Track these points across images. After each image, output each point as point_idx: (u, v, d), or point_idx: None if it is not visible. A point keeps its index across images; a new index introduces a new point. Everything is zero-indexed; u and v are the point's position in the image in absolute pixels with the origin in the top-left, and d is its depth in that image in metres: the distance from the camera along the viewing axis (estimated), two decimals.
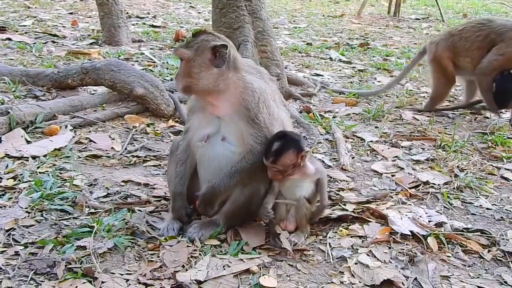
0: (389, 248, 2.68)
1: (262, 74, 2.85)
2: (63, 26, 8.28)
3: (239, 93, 2.62)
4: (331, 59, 7.46)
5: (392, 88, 5.71)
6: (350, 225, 2.89)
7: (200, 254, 2.50)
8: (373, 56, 7.80)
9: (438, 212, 3.09)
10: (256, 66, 2.94)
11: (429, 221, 2.94)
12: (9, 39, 6.86)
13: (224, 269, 2.39)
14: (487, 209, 3.19)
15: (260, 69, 2.96)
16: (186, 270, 2.37)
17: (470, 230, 2.88)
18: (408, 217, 2.94)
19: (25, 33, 7.45)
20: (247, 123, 2.60)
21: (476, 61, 4.81)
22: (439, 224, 2.91)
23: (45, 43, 6.94)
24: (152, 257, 2.48)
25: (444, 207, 3.20)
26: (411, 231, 2.79)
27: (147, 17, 10.11)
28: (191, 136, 2.76)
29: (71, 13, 9.71)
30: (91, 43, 7.19)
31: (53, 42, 7.10)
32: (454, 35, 4.94)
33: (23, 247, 2.49)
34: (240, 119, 2.61)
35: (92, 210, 2.90)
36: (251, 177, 2.65)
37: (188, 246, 2.56)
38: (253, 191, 2.70)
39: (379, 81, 6.30)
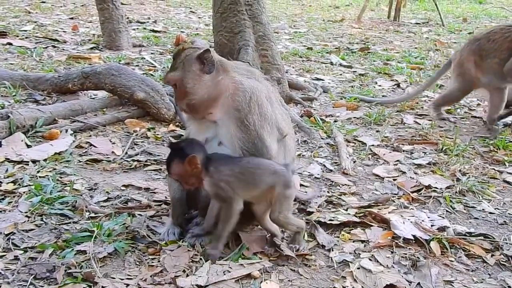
0: (392, 252, 2.66)
1: (254, 73, 2.79)
2: (64, 31, 8.28)
3: (230, 94, 2.58)
4: (331, 63, 7.46)
5: (415, 97, 5.64)
6: (352, 229, 2.87)
7: (200, 259, 2.48)
8: (373, 61, 7.80)
9: (440, 216, 3.07)
10: (248, 67, 2.89)
11: (431, 225, 2.92)
12: (10, 43, 6.86)
13: (225, 274, 2.37)
14: (490, 213, 3.17)
15: (251, 69, 2.89)
16: (187, 275, 2.35)
17: (473, 234, 2.86)
18: (411, 221, 2.92)
19: (26, 38, 7.45)
20: (236, 126, 2.56)
21: (504, 62, 4.76)
22: (442, 229, 2.90)
23: (46, 47, 6.94)
24: (152, 262, 2.46)
25: (447, 211, 3.18)
26: (414, 236, 2.77)
27: (147, 22, 10.12)
28: None
29: (72, 18, 9.71)
30: (91, 48, 7.19)
31: (54, 46, 7.09)
32: (481, 39, 4.90)
33: (22, 252, 2.47)
34: (231, 122, 2.57)
35: (92, 215, 2.88)
36: None
37: (188, 250, 2.54)
38: None
39: (379, 85, 6.30)
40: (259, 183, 2.48)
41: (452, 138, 4.34)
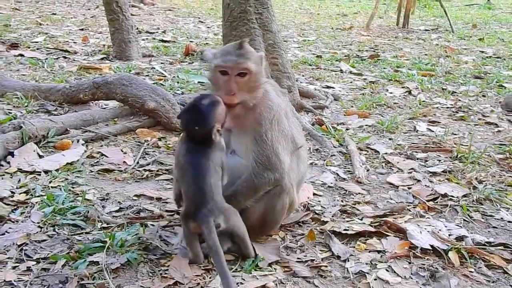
0: (409, 263, 2.60)
1: (276, 87, 2.80)
2: (74, 42, 8.33)
3: (257, 106, 2.56)
4: (341, 71, 7.42)
5: None
6: (367, 239, 2.82)
7: (214, 270, 2.44)
8: (384, 68, 7.76)
9: (458, 225, 3.01)
10: (268, 79, 2.88)
11: (449, 235, 2.86)
12: (22, 55, 6.90)
13: (239, 286, 2.33)
14: (509, 221, 3.10)
15: (272, 81, 2.92)
16: (202, 287, 2.31)
17: (492, 244, 2.79)
18: (428, 231, 2.86)
19: (37, 49, 7.50)
20: (253, 139, 2.54)
21: None
22: (460, 238, 2.83)
23: (57, 58, 6.98)
24: (165, 273, 2.42)
25: (464, 220, 3.11)
26: (431, 246, 2.71)
27: (157, 32, 10.17)
28: None
29: (82, 29, 9.78)
30: (102, 58, 7.22)
31: (65, 57, 7.14)
32: None
33: (35, 263, 2.45)
34: (249, 134, 2.55)
35: (105, 225, 2.85)
36: (252, 197, 2.57)
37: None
38: (266, 207, 2.63)
39: (391, 93, 6.25)
40: None
41: (467, 145, 4.27)
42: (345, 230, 2.87)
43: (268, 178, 2.55)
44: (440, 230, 2.89)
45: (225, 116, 2.45)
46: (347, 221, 3.01)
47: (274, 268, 2.51)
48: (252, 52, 2.57)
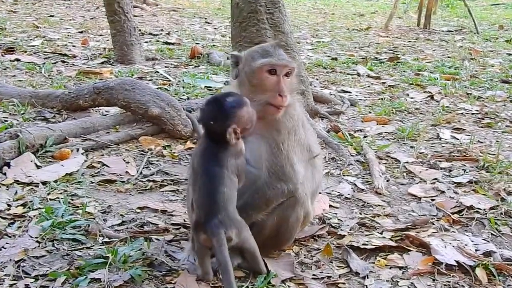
0: (433, 280, 2.60)
1: (295, 95, 2.83)
2: (73, 46, 8.43)
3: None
4: (358, 74, 7.44)
5: None
6: (388, 254, 2.82)
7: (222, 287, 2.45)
8: (404, 71, 7.76)
9: (485, 240, 3.00)
10: None
11: (476, 250, 2.85)
12: (18, 60, 6.99)
13: None
14: None
15: None
16: None
17: None
18: (453, 246, 2.86)
19: (34, 53, 7.59)
20: (269, 147, 2.56)
21: None
22: (488, 254, 2.82)
23: (55, 63, 7.06)
24: None
25: (492, 234, 3.10)
26: (457, 261, 2.70)
27: (160, 34, 10.26)
28: None
29: (81, 32, 9.90)
30: (102, 62, 7.29)
31: (63, 62, 7.22)
32: None
33: (33, 280, 2.47)
34: (265, 141, 2.57)
35: (106, 240, 2.87)
36: (264, 210, 2.59)
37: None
38: (279, 219, 2.64)
39: (411, 98, 6.24)
40: None
41: (494, 154, 4.25)
42: (363, 244, 2.88)
43: (282, 189, 2.56)
44: (466, 245, 2.89)
45: (251, 121, 2.43)
46: (366, 235, 3.01)
47: (288, 286, 2.51)
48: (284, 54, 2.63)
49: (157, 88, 5.39)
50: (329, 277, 2.60)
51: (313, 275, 2.62)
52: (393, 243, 2.90)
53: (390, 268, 2.70)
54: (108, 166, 3.85)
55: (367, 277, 2.61)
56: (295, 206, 2.64)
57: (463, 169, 4.08)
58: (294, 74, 2.60)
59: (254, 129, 2.51)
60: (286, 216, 2.64)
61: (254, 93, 2.55)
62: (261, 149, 2.57)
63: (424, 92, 6.52)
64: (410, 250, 2.85)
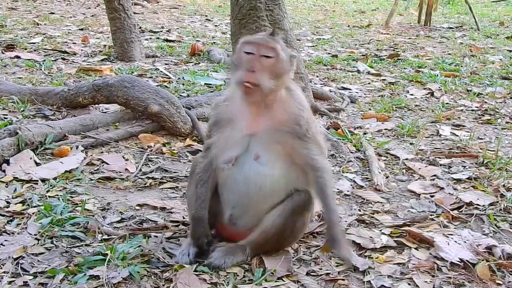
0: (433, 276, 2.59)
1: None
2: (73, 43, 8.43)
3: (288, 107, 2.57)
4: (358, 71, 7.43)
5: None
6: (387, 250, 2.81)
7: (223, 283, 2.45)
8: (404, 68, 7.74)
9: (485, 235, 2.99)
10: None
11: (477, 245, 2.84)
12: (18, 57, 7.01)
13: None
14: None
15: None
16: None
17: None
18: (455, 241, 2.85)
19: (34, 50, 7.60)
20: (298, 139, 2.56)
21: None
22: (489, 249, 2.81)
23: (55, 60, 7.06)
24: (170, 287, 2.43)
25: (491, 230, 3.09)
26: (461, 259, 2.69)
27: (161, 31, 10.25)
28: (214, 155, 2.67)
29: (82, 29, 9.89)
30: (102, 60, 7.29)
31: (63, 59, 7.22)
32: None
33: (32, 277, 2.47)
34: (288, 136, 2.55)
35: (105, 237, 2.87)
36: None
37: (210, 274, 2.53)
38: (286, 223, 2.63)
39: (411, 95, 6.23)
40: None
41: (494, 151, 4.24)
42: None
43: (328, 165, 2.73)
44: (467, 240, 2.88)
45: None
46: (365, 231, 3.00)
47: (283, 281, 2.51)
48: (283, 44, 2.59)
49: (157, 86, 5.38)
50: (328, 273, 2.59)
51: (312, 271, 2.62)
52: (392, 240, 2.90)
53: (390, 264, 2.70)
54: (107, 164, 3.85)
55: (368, 273, 2.60)
56: (303, 212, 2.67)
57: (462, 166, 4.07)
58: (279, 59, 2.49)
59: (265, 126, 2.54)
60: (293, 221, 2.65)
61: (236, 72, 2.52)
62: (278, 147, 2.57)
63: (424, 89, 6.51)
64: (409, 247, 2.85)
